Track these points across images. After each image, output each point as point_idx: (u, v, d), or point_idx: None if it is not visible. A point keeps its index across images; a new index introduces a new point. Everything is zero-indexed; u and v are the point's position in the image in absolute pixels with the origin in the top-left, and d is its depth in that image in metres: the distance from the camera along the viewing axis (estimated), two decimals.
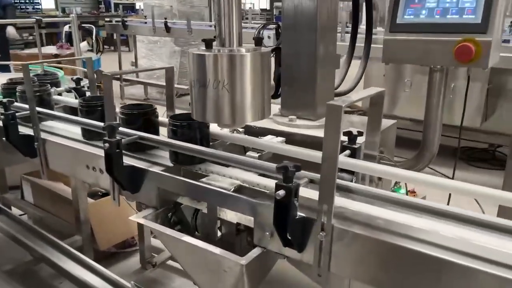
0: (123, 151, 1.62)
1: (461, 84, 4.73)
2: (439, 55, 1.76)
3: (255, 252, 1.39)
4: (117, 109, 1.81)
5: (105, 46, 16.23)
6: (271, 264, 1.57)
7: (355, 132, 1.50)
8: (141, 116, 1.79)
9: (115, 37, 13.17)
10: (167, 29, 7.50)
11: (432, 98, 1.79)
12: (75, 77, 2.53)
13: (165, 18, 7.63)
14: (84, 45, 9.88)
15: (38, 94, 2.14)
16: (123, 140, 1.61)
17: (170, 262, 3.26)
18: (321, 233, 1.24)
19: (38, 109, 2.01)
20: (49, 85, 2.25)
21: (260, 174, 1.60)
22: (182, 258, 1.59)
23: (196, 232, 1.72)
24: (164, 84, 1.91)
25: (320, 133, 1.94)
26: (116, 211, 3.43)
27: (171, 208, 1.73)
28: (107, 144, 1.57)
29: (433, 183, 1.19)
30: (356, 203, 1.35)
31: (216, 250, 1.40)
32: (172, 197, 1.70)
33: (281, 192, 1.20)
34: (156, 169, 1.65)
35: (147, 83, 9.01)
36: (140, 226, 3.00)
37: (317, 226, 1.25)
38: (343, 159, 1.37)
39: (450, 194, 2.54)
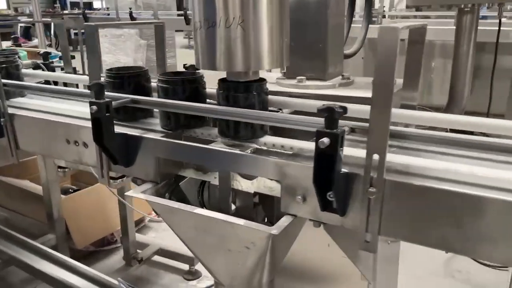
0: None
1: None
2: None
3: (285, 220, 1.17)
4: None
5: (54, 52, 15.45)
6: (293, 238, 1.36)
7: None
8: (132, 79, 1.52)
9: (73, 37, 12.53)
10: (132, 19, 7.13)
11: (461, 45, 1.62)
12: (42, 50, 2.21)
13: (130, 9, 7.26)
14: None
15: (3, 66, 1.83)
16: (113, 102, 1.35)
17: (156, 258, 2.98)
18: (370, 189, 1.03)
19: (4, 81, 1.71)
20: (16, 56, 1.93)
21: (274, 134, 1.39)
22: (193, 238, 1.35)
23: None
24: None
25: (335, 92, 1.75)
26: (93, 205, 3.13)
27: (172, 183, 1.49)
28: (94, 107, 1.30)
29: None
30: (399, 156, 1.15)
31: (240, 221, 1.17)
32: (173, 170, 1.45)
33: (326, 140, 0.98)
34: (153, 136, 1.40)
35: None
36: (123, 220, 2.71)
37: (365, 182, 1.04)
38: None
39: None
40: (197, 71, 1.54)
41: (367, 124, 1.03)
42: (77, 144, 1.55)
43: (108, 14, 7.97)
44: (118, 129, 1.42)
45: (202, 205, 1.49)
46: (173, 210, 1.28)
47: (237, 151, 1.24)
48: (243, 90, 1.27)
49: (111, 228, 3.20)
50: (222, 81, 1.32)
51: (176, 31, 9.90)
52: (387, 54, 0.94)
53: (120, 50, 8.96)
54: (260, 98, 1.30)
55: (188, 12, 6.31)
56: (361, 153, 1.17)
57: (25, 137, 1.72)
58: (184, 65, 1.64)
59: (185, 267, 2.94)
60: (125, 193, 1.33)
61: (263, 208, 1.48)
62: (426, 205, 1.00)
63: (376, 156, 1.01)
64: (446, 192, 0.96)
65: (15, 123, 1.70)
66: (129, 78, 1.52)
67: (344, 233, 1.39)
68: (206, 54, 1.24)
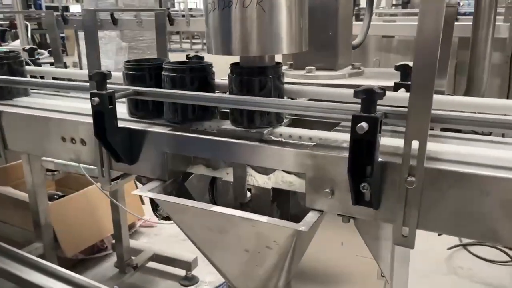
0: None
1: None
2: None
3: (313, 216, 1.08)
4: None
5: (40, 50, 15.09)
6: (312, 236, 1.26)
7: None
8: (153, 71, 1.38)
9: (48, 41, 12.20)
10: (114, 21, 6.93)
11: (480, 29, 1.55)
12: (27, 47, 2.07)
13: None
14: (17, 43, 9.05)
15: (5, 62, 1.65)
16: (116, 94, 1.23)
17: (151, 264, 2.85)
18: (409, 179, 0.94)
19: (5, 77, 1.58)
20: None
21: (290, 125, 1.29)
22: (207, 240, 1.24)
23: None
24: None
25: (346, 82, 1.67)
26: (82, 211, 2.98)
27: (179, 182, 1.38)
28: (96, 98, 1.19)
29: None
30: (433, 144, 1.07)
31: (263, 218, 1.07)
32: (181, 166, 1.35)
33: (364, 125, 0.89)
34: (159, 129, 1.29)
35: None
36: (117, 225, 2.57)
37: (403, 171, 0.95)
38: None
39: None
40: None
41: (403, 109, 0.95)
42: (74, 141, 1.43)
43: None
44: (120, 123, 1.31)
45: (214, 204, 1.38)
46: (186, 209, 1.18)
47: (255, 143, 1.15)
48: (260, 74, 1.17)
49: (102, 235, 3.05)
50: (236, 65, 1.22)
51: None
52: (430, 28, 0.86)
53: (101, 53, 8.75)
54: (278, 84, 1.20)
55: (171, 11, 6.17)
56: (389, 141, 1.10)
57: (14, 136, 1.58)
58: (186, 55, 1.54)
59: (182, 272, 2.81)
60: (133, 192, 1.21)
61: (277, 206, 1.39)
62: (473, 194, 0.91)
63: (415, 143, 0.93)
64: (496, 180, 0.89)
65: (3, 121, 1.57)
66: (150, 70, 1.37)
67: (372, 228, 1.31)
68: (220, 37, 1.14)
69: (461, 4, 5.48)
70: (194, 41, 16.44)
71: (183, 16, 5.67)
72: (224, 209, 1.12)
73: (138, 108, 1.39)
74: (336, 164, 1.04)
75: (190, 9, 8.84)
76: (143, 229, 3.50)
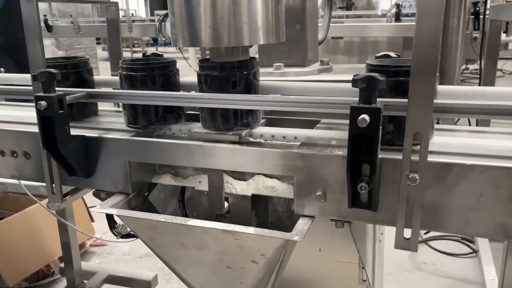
0: None
1: None
2: None
3: (304, 223, 0.96)
4: None
5: None
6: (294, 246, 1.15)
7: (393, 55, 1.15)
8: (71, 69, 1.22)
9: None
10: (49, 28, 6.51)
11: (450, 18, 1.51)
12: None
13: (45, 16, 6.64)
14: None
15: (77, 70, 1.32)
16: (68, 97, 1.06)
17: (106, 287, 2.61)
18: (411, 175, 0.85)
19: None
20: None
21: (267, 124, 1.18)
22: (181, 259, 1.09)
23: None
24: None
25: (316, 78, 1.58)
26: (25, 233, 2.69)
27: (143, 194, 1.22)
28: (43, 102, 1.01)
29: None
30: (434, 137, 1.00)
31: (249, 229, 0.94)
32: (145, 177, 1.19)
33: (366, 117, 0.79)
34: (120, 136, 1.13)
35: None
36: (66, 246, 2.32)
37: (404, 167, 0.86)
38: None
39: None
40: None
41: (403, 100, 0.86)
42: (15, 155, 1.22)
43: None
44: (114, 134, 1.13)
45: (185, 217, 1.23)
46: (157, 225, 1.02)
47: (235, 146, 1.02)
48: (235, 68, 1.05)
49: (48, 259, 2.77)
50: (206, 61, 1.09)
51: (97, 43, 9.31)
52: (432, 9, 0.78)
53: None
54: (254, 80, 1.09)
55: None
56: None
57: None
58: (143, 53, 1.38)
59: None
60: (92, 209, 1.04)
61: (255, 214, 1.26)
62: (483, 188, 0.84)
63: (418, 137, 0.84)
64: (508, 171, 0.82)
65: None
66: (154, 70, 1.16)
67: (361, 231, 1.23)
68: (188, 27, 1.00)
69: (403, 6, 5.67)
70: (135, 49, 15.94)
71: (123, 22, 5.42)
72: (203, 222, 0.98)
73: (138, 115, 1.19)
74: (328, 163, 0.93)
75: (132, 15, 8.51)
76: (94, 249, 3.23)
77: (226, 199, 1.16)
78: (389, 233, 0.99)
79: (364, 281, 1.51)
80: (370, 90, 0.79)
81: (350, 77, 1.44)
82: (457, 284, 2.66)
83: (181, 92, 1.11)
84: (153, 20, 5.80)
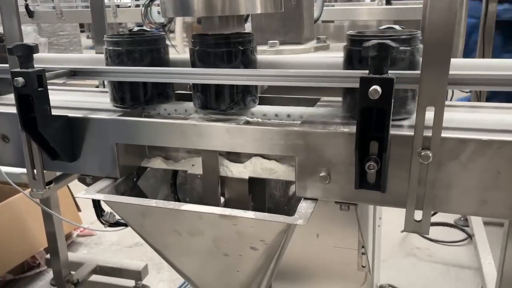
0: None
1: None
2: None
3: (308, 206, 0.90)
4: None
5: None
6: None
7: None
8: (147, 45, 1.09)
9: None
10: (30, 13, 6.30)
11: None
12: None
13: (26, 1, 6.42)
14: None
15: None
16: (48, 73, 0.97)
17: (95, 277, 2.54)
18: (424, 153, 0.79)
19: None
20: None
21: (261, 103, 1.11)
22: (175, 247, 1.02)
23: None
24: None
25: (314, 56, 1.51)
26: (8, 225, 2.58)
27: (132, 179, 1.14)
28: (20, 79, 0.92)
29: None
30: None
31: (249, 214, 0.87)
32: (134, 160, 1.11)
33: (378, 88, 0.72)
34: (107, 116, 1.04)
35: None
36: (51, 237, 2.23)
37: (416, 144, 0.80)
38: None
39: None
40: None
41: (415, 72, 0.80)
42: None
43: None
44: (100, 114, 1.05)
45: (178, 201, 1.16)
46: (149, 211, 0.95)
47: (232, 125, 0.94)
48: (232, 42, 0.97)
49: (33, 250, 2.68)
50: (199, 36, 1.01)
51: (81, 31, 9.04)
52: None
53: None
54: (251, 55, 1.01)
55: None
56: None
57: None
58: (130, 29, 1.29)
59: (131, 283, 2.53)
60: (77, 195, 0.96)
61: (252, 199, 1.19)
62: (499, 165, 0.78)
63: (431, 110, 0.78)
64: None
65: None
66: (142, 44, 1.06)
67: (364, 215, 1.17)
68: None
69: None
70: None
71: (108, 7, 5.26)
72: (198, 207, 0.91)
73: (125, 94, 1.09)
74: (333, 142, 0.87)
75: None
76: (81, 239, 3.14)
77: (222, 195, 1.09)
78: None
79: (364, 267, 1.46)
80: (381, 59, 0.72)
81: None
82: (452, 270, 2.64)
83: (172, 68, 1.03)
84: (139, 6, 5.64)
